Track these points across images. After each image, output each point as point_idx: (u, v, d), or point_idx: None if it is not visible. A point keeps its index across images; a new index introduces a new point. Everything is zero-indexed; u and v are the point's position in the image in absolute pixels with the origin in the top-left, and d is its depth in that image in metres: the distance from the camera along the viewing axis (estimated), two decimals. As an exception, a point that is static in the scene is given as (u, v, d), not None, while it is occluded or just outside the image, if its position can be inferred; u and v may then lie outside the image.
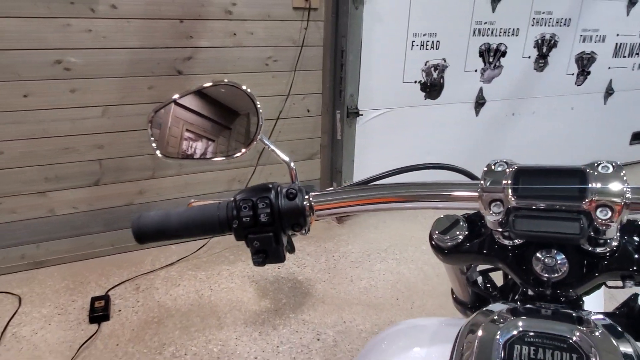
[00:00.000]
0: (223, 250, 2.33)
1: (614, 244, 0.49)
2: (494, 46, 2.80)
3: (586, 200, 0.43)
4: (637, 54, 3.38)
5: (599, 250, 0.49)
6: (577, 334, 0.40)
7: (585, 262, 0.49)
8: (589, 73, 3.22)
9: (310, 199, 0.55)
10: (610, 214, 0.42)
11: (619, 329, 0.42)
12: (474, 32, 2.71)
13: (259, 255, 0.55)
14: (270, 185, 0.55)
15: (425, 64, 2.65)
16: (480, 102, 2.90)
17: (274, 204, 0.53)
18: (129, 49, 1.99)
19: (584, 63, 3.18)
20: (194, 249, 2.29)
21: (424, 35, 2.57)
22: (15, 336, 1.74)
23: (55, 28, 1.86)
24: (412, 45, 2.57)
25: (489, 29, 2.74)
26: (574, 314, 0.45)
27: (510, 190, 0.46)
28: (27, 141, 1.95)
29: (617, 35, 3.23)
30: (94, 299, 1.89)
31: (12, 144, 1.94)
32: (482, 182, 0.49)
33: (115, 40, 1.96)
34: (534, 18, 2.85)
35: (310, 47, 2.32)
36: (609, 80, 3.33)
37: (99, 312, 1.83)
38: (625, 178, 0.43)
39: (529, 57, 2.95)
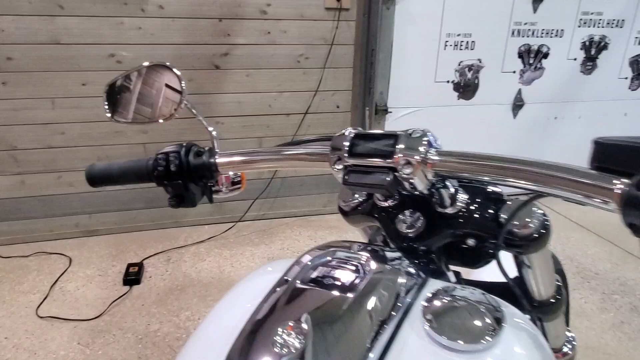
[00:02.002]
0: (250, 234, 2.51)
1: (460, 205, 0.58)
2: (535, 47, 2.75)
3: (394, 157, 0.52)
4: None
5: (447, 211, 0.58)
6: (364, 260, 0.50)
7: (437, 221, 0.58)
8: (645, 77, 3.05)
9: (216, 157, 0.68)
10: (411, 169, 0.51)
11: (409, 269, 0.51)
12: (513, 33, 2.69)
13: (173, 199, 0.69)
14: (184, 145, 0.69)
15: (459, 64, 2.67)
16: (518, 105, 2.86)
17: (183, 159, 0.67)
18: (172, 44, 2.23)
19: (640, 67, 3.02)
20: (223, 229, 2.50)
21: (458, 35, 2.60)
22: (62, 290, 2.02)
23: (110, 25, 2.12)
24: (446, 45, 2.60)
25: (529, 29, 2.70)
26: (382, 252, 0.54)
27: (346, 151, 0.56)
28: (84, 124, 2.24)
29: (681, 37, 3.03)
30: (129, 265, 2.14)
31: (72, 126, 2.24)
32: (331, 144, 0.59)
33: (161, 37, 2.20)
34: (580, 19, 2.77)
35: (341, 46, 2.44)
36: (669, 86, 3.13)
37: (132, 276, 2.07)
38: (428, 140, 0.52)
39: (575, 59, 2.86)
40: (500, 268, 0.59)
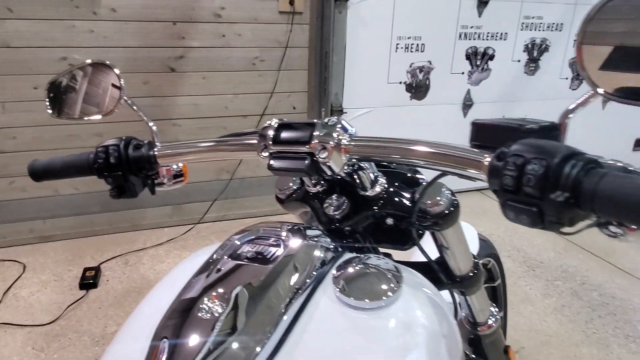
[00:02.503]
0: (209, 235, 2.53)
1: (378, 189, 0.64)
2: (481, 50, 2.90)
3: (311, 143, 0.58)
4: None
5: (368, 194, 0.64)
6: (284, 236, 0.55)
7: (360, 203, 0.64)
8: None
9: (155, 149, 0.72)
10: (326, 153, 0.57)
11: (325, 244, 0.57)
12: (460, 36, 2.82)
13: (114, 190, 0.72)
14: (123, 138, 0.72)
15: (410, 66, 2.77)
16: (467, 104, 3.00)
17: (122, 151, 0.71)
18: (126, 47, 2.23)
19: (579, 68, 3.21)
20: (183, 231, 2.51)
21: (409, 38, 2.71)
22: (15, 296, 1.99)
23: (62, 28, 2.11)
24: (397, 48, 2.70)
25: (475, 32, 2.84)
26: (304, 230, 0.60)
27: (270, 139, 0.61)
28: (36, 128, 2.21)
29: (616, 40, 3.24)
30: (86, 269, 2.12)
31: (23, 130, 2.21)
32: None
33: (114, 40, 2.20)
34: (522, 22, 2.93)
35: (295, 49, 2.50)
36: (607, 86, 3.34)
37: (89, 280, 2.05)
38: (341, 127, 0.57)
39: (519, 60, 3.02)
40: (419, 247, 0.66)
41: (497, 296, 1.32)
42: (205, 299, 0.46)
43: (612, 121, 3.44)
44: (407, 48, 2.73)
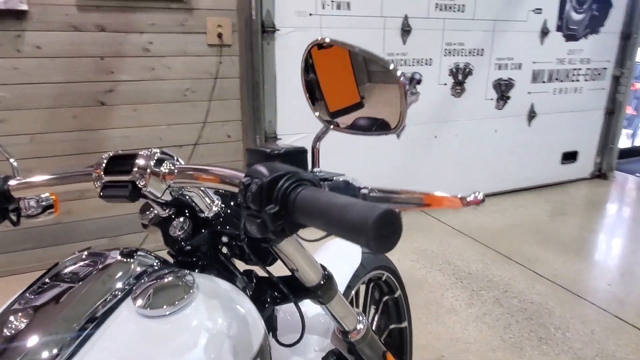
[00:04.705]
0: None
1: (215, 210, 0.70)
2: (408, 75, 3.04)
3: (131, 173, 0.63)
4: (556, 79, 3.63)
5: (206, 215, 0.70)
6: (106, 258, 0.60)
7: (200, 224, 0.70)
8: (508, 98, 3.46)
9: (9, 183, 0.76)
10: (144, 181, 0.61)
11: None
12: (387, 63, 2.97)
13: None
14: None
15: (341, 92, 2.89)
16: (399, 126, 3.13)
17: None
18: (52, 83, 2.25)
19: (502, 89, 3.43)
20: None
21: (337, 66, 2.83)
22: None
23: (-16, 67, 2.12)
24: (327, 76, 2.82)
25: (401, 59, 3.01)
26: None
27: (102, 169, 0.66)
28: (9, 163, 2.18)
29: (534, 62, 3.49)
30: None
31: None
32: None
33: (39, 76, 2.22)
34: (445, 49, 3.12)
35: (226, 79, 2.58)
36: (530, 104, 3.57)
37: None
38: (158, 158, 0.62)
39: (445, 84, 3.20)
40: (260, 264, 0.72)
41: (399, 307, 1.39)
42: (13, 316, 0.50)
43: (537, 137, 3.67)
44: (337, 75, 2.85)
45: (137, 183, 0.61)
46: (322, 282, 0.81)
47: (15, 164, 0.79)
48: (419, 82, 2.96)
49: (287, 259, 0.77)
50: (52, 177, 0.73)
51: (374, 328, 1.35)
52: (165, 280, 0.55)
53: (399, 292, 1.37)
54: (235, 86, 2.62)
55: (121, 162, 0.64)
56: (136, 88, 2.41)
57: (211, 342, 0.51)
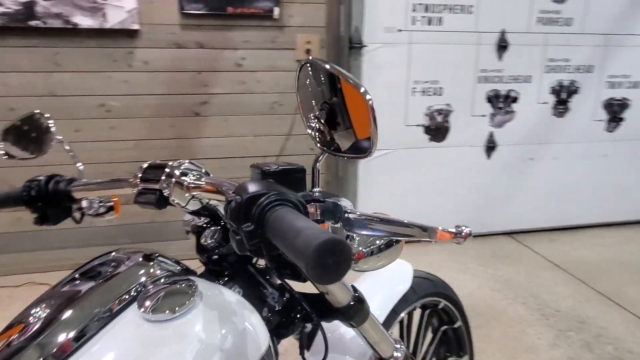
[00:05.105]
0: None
1: None
2: (503, 92, 2.89)
3: (159, 182, 0.66)
4: (684, 100, 3.19)
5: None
6: (125, 261, 0.64)
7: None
8: (621, 119, 3.12)
9: (72, 185, 0.84)
10: (168, 190, 0.65)
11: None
12: (480, 79, 2.84)
13: (36, 219, 0.84)
14: (47, 175, 0.85)
15: (429, 109, 2.82)
16: (490, 146, 2.96)
17: (42, 186, 0.82)
18: (156, 95, 2.48)
19: (615, 109, 3.09)
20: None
21: (425, 82, 2.77)
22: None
23: (100, 79, 2.40)
24: (414, 92, 2.77)
25: (495, 76, 2.85)
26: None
27: (138, 178, 0.71)
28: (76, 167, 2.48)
29: (656, 80, 3.11)
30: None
31: (63, 168, 2.48)
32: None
33: (145, 88, 2.46)
34: (547, 65, 2.90)
35: (312, 94, 2.64)
36: (649, 127, 3.18)
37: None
38: (185, 168, 0.65)
39: (546, 102, 2.97)
40: (284, 283, 0.72)
41: (460, 340, 1.30)
42: (36, 307, 0.55)
43: None
44: (425, 92, 2.79)
45: (163, 192, 0.65)
46: (351, 303, 0.79)
47: (81, 167, 0.88)
48: (514, 100, 2.81)
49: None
50: (104, 181, 0.80)
51: (430, 358, 1.28)
52: (170, 286, 0.58)
53: (459, 323, 1.28)
54: (320, 101, 2.67)
55: (154, 171, 0.68)
56: (228, 100, 2.56)
57: (205, 351, 0.52)
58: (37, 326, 0.54)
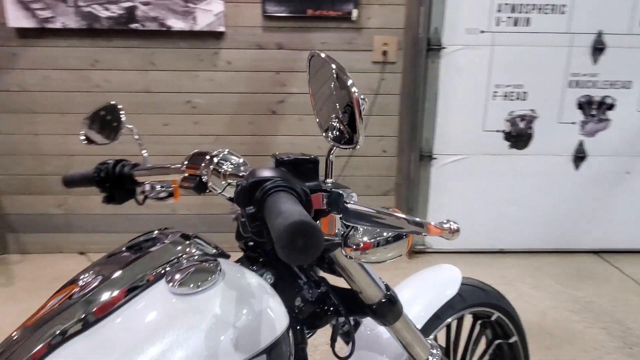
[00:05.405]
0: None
1: None
2: (597, 99, 2.67)
3: (199, 168, 0.71)
4: None
5: None
6: (165, 239, 0.70)
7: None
8: None
9: (134, 170, 0.92)
10: (206, 177, 0.69)
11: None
12: (570, 84, 2.65)
13: (104, 198, 0.93)
14: (116, 159, 0.94)
15: (510, 114, 2.68)
16: (579, 156, 2.75)
17: (110, 170, 0.92)
18: (237, 93, 2.62)
19: None
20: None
21: (508, 86, 2.64)
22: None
23: (188, 78, 2.59)
24: (495, 96, 2.65)
25: (589, 81, 2.65)
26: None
27: (184, 165, 0.76)
28: (163, 157, 2.70)
29: None
30: None
31: (153, 159, 2.70)
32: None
33: (228, 87, 2.61)
34: (652, 69, 2.63)
35: (387, 95, 2.63)
36: None
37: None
38: (222, 157, 0.69)
39: (648, 111, 2.70)
40: (304, 268, 0.75)
41: (516, 356, 1.23)
42: (86, 273, 0.63)
43: None
44: (506, 96, 2.66)
45: (202, 178, 0.70)
46: (382, 301, 0.79)
47: (145, 154, 0.97)
48: (609, 107, 2.63)
49: (344, 272, 0.77)
50: (160, 167, 0.87)
51: (481, 371, 1.23)
52: (197, 264, 0.62)
53: (515, 338, 1.22)
54: (395, 103, 2.66)
55: (198, 159, 0.74)
56: (303, 100, 2.63)
57: (218, 325, 0.56)
58: (84, 287, 0.61)
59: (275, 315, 0.62)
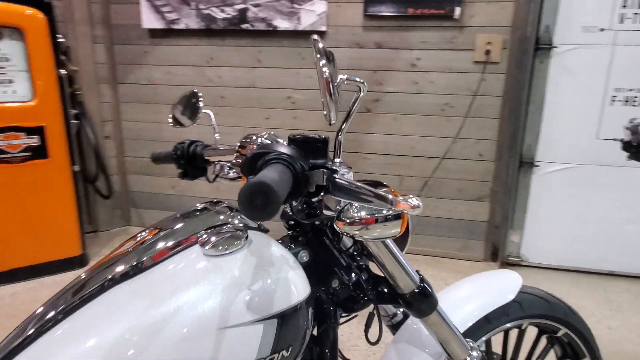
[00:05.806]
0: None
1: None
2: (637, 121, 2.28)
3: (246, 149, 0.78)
4: None
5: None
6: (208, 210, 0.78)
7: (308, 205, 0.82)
8: None
9: (204, 150, 1.03)
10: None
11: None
12: None
13: (180, 174, 1.05)
14: (190, 140, 1.05)
15: (631, 122, 2.41)
16: None
17: (185, 149, 1.03)
18: (334, 91, 2.70)
19: None
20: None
21: (630, 90, 2.37)
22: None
23: (290, 75, 2.73)
24: (613, 100, 2.40)
25: None
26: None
27: (237, 146, 0.84)
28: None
29: None
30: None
31: (254, 149, 2.91)
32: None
33: (326, 84, 2.69)
34: None
35: (487, 97, 2.52)
36: None
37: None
38: (262, 139, 0.76)
39: None
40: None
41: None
42: (149, 228, 0.74)
43: None
44: (628, 101, 2.39)
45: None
46: (415, 291, 0.80)
47: (217, 137, 1.08)
48: None
49: (375, 259, 0.80)
50: (222, 148, 0.97)
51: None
52: (230, 232, 0.69)
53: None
54: (496, 105, 2.53)
55: (247, 141, 0.81)
56: (399, 99, 2.63)
57: (235, 286, 0.62)
58: (140, 242, 0.72)
59: (293, 286, 0.66)
